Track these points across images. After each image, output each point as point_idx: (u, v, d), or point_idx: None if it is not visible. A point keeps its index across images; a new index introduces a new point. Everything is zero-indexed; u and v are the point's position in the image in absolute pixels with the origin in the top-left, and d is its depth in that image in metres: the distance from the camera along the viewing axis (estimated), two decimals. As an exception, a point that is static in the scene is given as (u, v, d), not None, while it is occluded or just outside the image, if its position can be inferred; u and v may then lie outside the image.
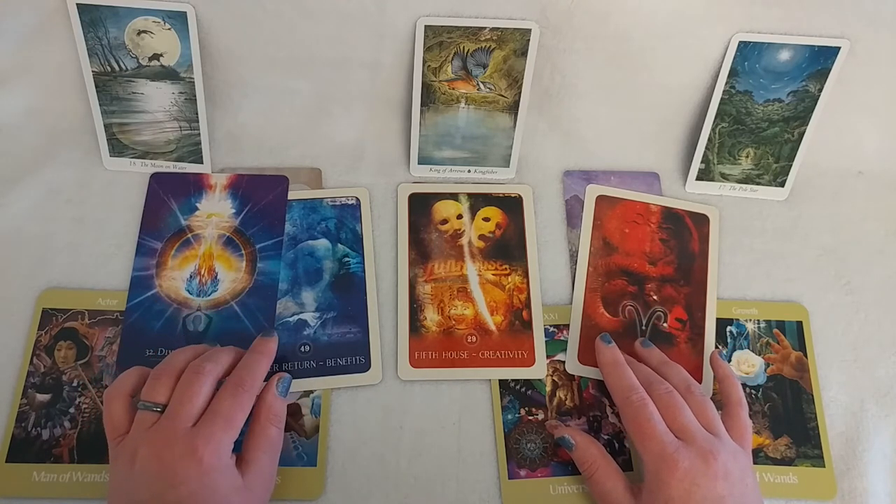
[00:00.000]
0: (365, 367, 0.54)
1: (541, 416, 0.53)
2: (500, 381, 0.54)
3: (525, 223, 0.60)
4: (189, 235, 0.58)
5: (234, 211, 0.59)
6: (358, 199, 0.60)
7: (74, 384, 0.53)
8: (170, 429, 0.43)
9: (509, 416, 0.53)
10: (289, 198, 0.60)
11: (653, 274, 0.59)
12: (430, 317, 0.56)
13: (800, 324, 0.57)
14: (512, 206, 0.61)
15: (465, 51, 0.57)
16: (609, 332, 0.55)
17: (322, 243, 0.59)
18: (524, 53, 0.57)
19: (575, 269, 0.59)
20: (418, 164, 0.62)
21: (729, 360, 0.56)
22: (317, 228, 0.59)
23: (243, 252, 0.58)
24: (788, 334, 0.57)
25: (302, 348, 0.54)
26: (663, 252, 0.60)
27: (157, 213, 0.59)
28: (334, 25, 0.57)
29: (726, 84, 0.59)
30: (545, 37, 0.57)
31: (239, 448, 0.46)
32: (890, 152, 0.64)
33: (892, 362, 0.57)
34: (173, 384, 0.45)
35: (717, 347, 0.56)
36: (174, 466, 0.41)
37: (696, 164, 0.62)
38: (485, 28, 0.56)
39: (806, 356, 0.56)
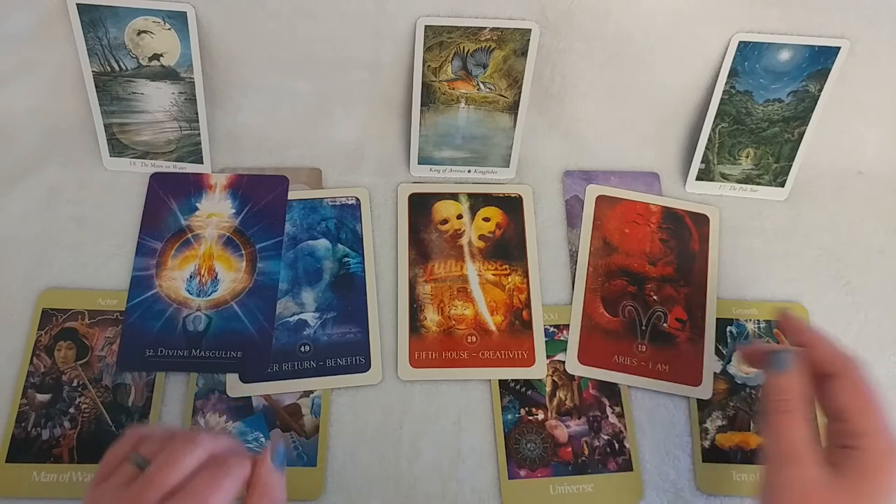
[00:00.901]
0: (365, 367, 0.54)
1: (541, 416, 0.53)
2: (500, 381, 0.54)
3: (525, 223, 0.60)
4: (189, 235, 0.58)
5: (234, 211, 0.59)
6: (358, 199, 0.60)
7: (74, 384, 0.53)
8: (139, 496, 0.37)
9: (509, 416, 0.53)
10: (289, 198, 0.60)
11: (653, 274, 0.59)
12: (430, 317, 0.56)
13: (800, 324, 0.57)
14: (512, 206, 0.61)
15: (465, 51, 0.57)
16: (609, 332, 0.55)
17: (322, 243, 0.59)
18: (524, 53, 0.57)
19: (575, 269, 0.59)
20: (418, 164, 0.62)
21: (729, 360, 0.56)
22: (317, 228, 0.59)
23: (243, 252, 0.58)
24: (788, 334, 0.57)
25: (302, 348, 0.54)
26: (663, 252, 0.60)
27: (157, 213, 0.59)
28: (334, 25, 0.57)
29: (726, 84, 0.59)
30: (545, 37, 0.57)
31: None
32: (890, 152, 0.64)
33: (892, 362, 0.57)
34: (165, 442, 0.40)
35: (718, 357, 0.56)
36: None
37: (696, 164, 0.62)
38: (485, 28, 0.56)
39: (806, 356, 0.56)
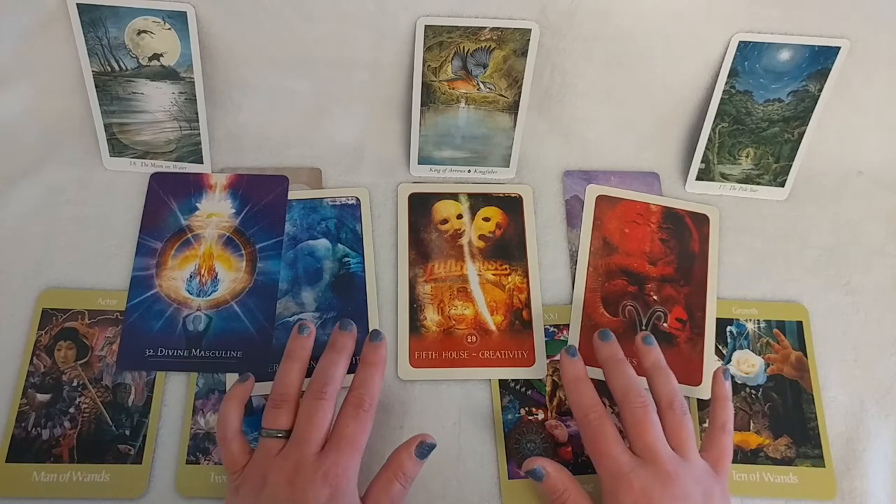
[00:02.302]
0: (365, 367, 0.54)
1: (541, 416, 0.53)
2: (500, 381, 0.54)
3: (525, 223, 0.60)
4: (189, 235, 0.58)
5: (234, 211, 0.59)
6: (358, 199, 0.60)
7: (74, 384, 0.53)
8: (298, 455, 0.44)
9: (509, 416, 0.53)
10: (289, 198, 0.60)
11: (653, 274, 0.59)
12: (430, 317, 0.56)
13: (800, 324, 0.57)
14: (512, 206, 0.61)
15: (465, 51, 0.57)
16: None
17: (322, 243, 0.59)
18: (524, 53, 0.57)
19: (575, 269, 0.59)
20: (418, 164, 0.62)
21: (729, 361, 0.56)
22: (317, 228, 0.59)
23: (243, 252, 0.58)
24: (788, 334, 0.57)
25: (302, 348, 0.54)
26: (663, 252, 0.60)
27: (157, 213, 0.59)
28: (334, 25, 0.57)
29: (726, 84, 0.59)
30: (545, 37, 0.57)
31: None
32: (890, 152, 0.64)
33: (892, 362, 0.57)
34: (295, 409, 0.47)
35: (718, 357, 0.56)
36: (305, 491, 0.43)
37: (696, 164, 0.62)
38: (485, 28, 0.56)
39: (806, 356, 0.56)
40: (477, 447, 0.53)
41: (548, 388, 0.54)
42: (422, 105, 0.60)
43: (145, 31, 0.56)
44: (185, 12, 0.55)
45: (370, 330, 0.53)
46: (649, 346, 0.51)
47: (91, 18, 0.55)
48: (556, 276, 0.59)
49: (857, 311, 0.58)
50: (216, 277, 0.57)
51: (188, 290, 0.56)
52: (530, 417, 0.53)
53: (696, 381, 0.55)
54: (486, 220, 0.60)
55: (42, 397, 0.52)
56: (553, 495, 0.47)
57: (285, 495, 0.43)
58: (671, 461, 0.45)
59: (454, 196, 0.61)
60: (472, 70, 0.58)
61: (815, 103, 0.59)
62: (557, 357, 0.55)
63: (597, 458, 0.46)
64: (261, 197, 0.60)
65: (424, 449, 0.47)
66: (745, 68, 0.58)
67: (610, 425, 0.47)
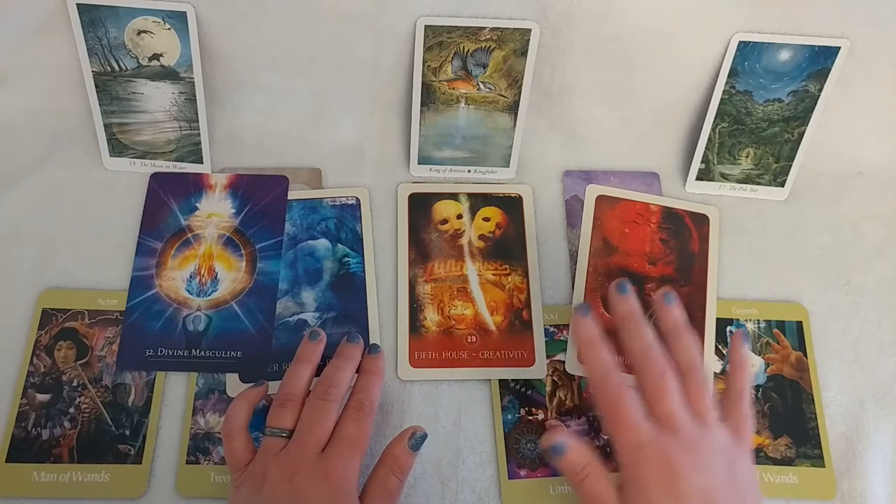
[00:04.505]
0: (365, 367, 0.54)
1: (541, 416, 0.53)
2: (500, 381, 0.54)
3: (525, 223, 0.60)
4: (189, 235, 0.58)
5: (234, 211, 0.59)
6: (358, 199, 0.60)
7: (74, 384, 0.53)
8: (300, 453, 0.45)
9: (509, 416, 0.53)
10: (289, 198, 0.60)
11: (653, 274, 0.59)
12: (430, 317, 0.56)
13: (800, 324, 0.57)
14: (512, 206, 0.61)
15: (465, 51, 0.57)
16: (609, 333, 0.55)
17: (322, 243, 0.59)
18: (524, 53, 0.57)
19: (575, 269, 0.59)
20: (418, 164, 0.62)
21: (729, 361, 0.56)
22: (317, 228, 0.59)
23: (243, 252, 0.58)
24: (788, 334, 0.57)
25: (302, 348, 0.54)
26: (663, 252, 0.60)
27: (157, 213, 0.59)
28: (334, 25, 0.57)
29: (726, 84, 0.59)
30: (545, 37, 0.57)
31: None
32: (890, 152, 0.64)
33: (892, 362, 0.57)
34: (299, 409, 0.47)
35: (718, 357, 0.56)
36: (306, 489, 0.43)
37: (696, 164, 0.62)
38: (485, 28, 0.56)
39: (806, 356, 0.56)
40: (477, 447, 0.52)
41: (548, 388, 0.54)
42: (422, 105, 0.60)
43: (145, 31, 0.56)
44: (185, 12, 0.55)
45: (370, 343, 0.54)
46: (669, 304, 0.48)
47: (91, 18, 0.55)
48: (556, 276, 0.59)
49: (857, 311, 0.58)
50: (216, 277, 0.57)
51: (188, 290, 0.56)
52: (530, 417, 0.53)
53: (696, 381, 0.55)
54: (486, 220, 0.60)
55: (42, 397, 0.52)
56: (572, 471, 0.45)
57: (285, 493, 0.43)
58: (692, 430, 0.43)
59: (454, 196, 0.61)
60: (472, 70, 0.58)
61: (815, 103, 0.59)
62: (557, 357, 0.55)
63: (615, 429, 0.44)
64: (261, 197, 0.60)
65: (417, 440, 0.48)
66: (745, 68, 0.58)
67: (631, 393, 0.44)
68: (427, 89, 0.59)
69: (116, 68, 0.58)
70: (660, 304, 0.49)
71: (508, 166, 0.62)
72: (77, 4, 0.55)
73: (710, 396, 0.45)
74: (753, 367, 0.56)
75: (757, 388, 0.55)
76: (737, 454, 0.44)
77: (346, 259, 0.58)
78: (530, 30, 0.56)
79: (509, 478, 0.51)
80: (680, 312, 0.48)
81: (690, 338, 0.47)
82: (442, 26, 0.56)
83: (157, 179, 0.61)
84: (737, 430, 0.45)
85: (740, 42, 0.57)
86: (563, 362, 0.55)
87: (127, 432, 0.51)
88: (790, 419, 0.54)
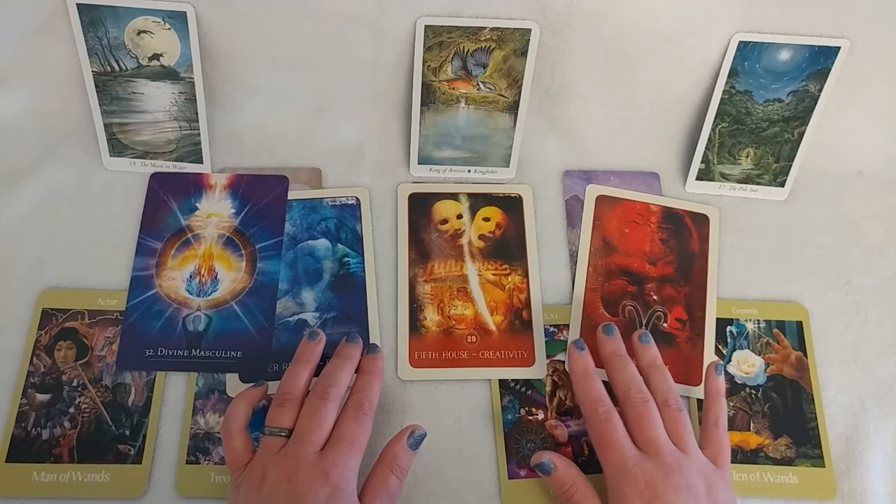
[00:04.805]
0: (365, 367, 0.54)
1: (541, 416, 0.53)
2: (500, 381, 0.54)
3: (525, 223, 0.60)
4: (189, 235, 0.58)
5: (234, 211, 0.59)
6: (358, 199, 0.60)
7: (74, 384, 0.53)
8: (299, 453, 0.45)
9: (509, 416, 0.53)
10: (289, 198, 0.60)
11: (653, 274, 0.59)
12: (430, 317, 0.56)
13: (800, 324, 0.57)
14: (512, 206, 0.61)
15: (465, 51, 0.57)
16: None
17: (322, 243, 0.59)
18: (524, 53, 0.57)
19: (575, 269, 0.59)
20: (418, 163, 0.62)
21: (729, 361, 0.56)
22: (317, 228, 0.59)
23: (243, 252, 0.58)
24: (788, 334, 0.57)
25: (302, 348, 0.54)
26: (663, 252, 0.60)
27: (157, 213, 0.59)
28: (334, 25, 0.57)
29: (726, 84, 0.59)
30: (545, 37, 0.57)
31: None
32: (890, 152, 0.64)
33: (892, 362, 0.57)
34: (298, 409, 0.47)
35: (718, 357, 0.56)
36: (305, 489, 0.43)
37: (696, 164, 0.62)
38: (485, 28, 0.56)
39: (806, 356, 0.56)
40: (477, 447, 0.52)
41: (548, 388, 0.54)
42: (422, 105, 0.60)
43: (145, 31, 0.56)
44: (185, 12, 0.55)
45: (369, 343, 0.54)
46: (646, 344, 0.52)
47: (91, 18, 0.55)
48: (556, 276, 0.59)
49: (857, 311, 0.58)
50: (216, 277, 0.57)
51: (188, 290, 0.56)
52: (530, 417, 0.53)
53: (696, 381, 0.55)
54: (486, 220, 0.60)
55: (42, 397, 0.52)
56: (561, 489, 0.48)
57: (285, 492, 0.43)
58: (673, 454, 0.46)
59: (454, 196, 0.61)
60: (472, 70, 0.58)
61: (815, 103, 0.59)
62: (557, 357, 0.55)
63: (603, 452, 0.47)
64: (261, 197, 0.60)
65: (416, 439, 0.48)
66: (745, 68, 0.58)
67: (617, 419, 0.47)
68: (427, 89, 0.59)
69: (116, 68, 0.58)
70: (636, 343, 0.52)
71: (508, 166, 0.62)
72: (77, 4, 0.55)
73: (688, 424, 0.48)
74: (753, 367, 0.56)
75: (757, 387, 0.55)
76: (717, 479, 0.46)
77: (346, 259, 0.58)
78: (530, 30, 0.56)
79: (509, 478, 0.51)
80: (655, 351, 0.52)
81: (666, 372, 0.51)
82: (442, 26, 0.56)
83: (157, 179, 0.61)
84: (715, 457, 0.48)
85: (740, 42, 0.57)
86: (563, 362, 0.55)
87: (127, 432, 0.51)
88: (790, 419, 0.54)
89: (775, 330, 0.57)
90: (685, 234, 0.60)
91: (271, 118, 0.63)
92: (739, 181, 0.62)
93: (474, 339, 0.56)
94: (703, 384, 0.54)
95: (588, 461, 0.52)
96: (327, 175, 0.62)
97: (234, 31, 0.57)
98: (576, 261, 0.59)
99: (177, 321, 0.55)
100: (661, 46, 0.58)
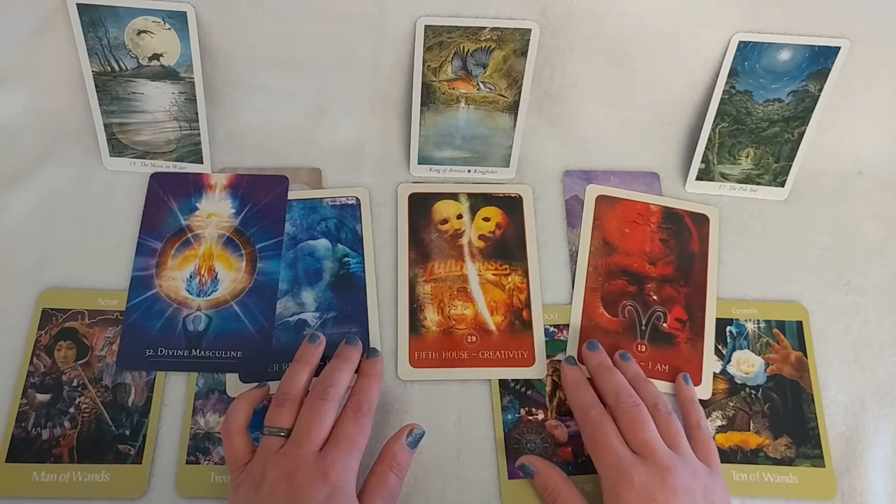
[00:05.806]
0: (365, 367, 0.54)
1: (541, 416, 0.53)
2: (500, 381, 0.54)
3: (525, 223, 0.60)
4: (189, 235, 0.58)
5: (234, 211, 0.59)
6: (358, 199, 0.61)
7: (74, 384, 0.53)
8: (298, 453, 0.45)
9: (509, 416, 0.53)
10: (289, 198, 0.60)
11: (653, 274, 0.59)
12: (430, 317, 0.56)
13: (800, 324, 0.57)
14: (512, 206, 0.61)
15: (465, 51, 0.57)
16: (609, 332, 0.55)
17: (322, 243, 0.59)
18: (524, 53, 0.57)
19: (575, 269, 0.59)
20: (418, 164, 0.62)
21: (729, 360, 0.56)
22: (317, 228, 0.59)
23: (243, 252, 0.58)
24: (788, 334, 0.57)
25: (302, 348, 0.54)
26: (663, 252, 0.60)
27: (157, 213, 0.59)
28: (334, 25, 0.57)
29: (726, 84, 0.59)
30: (545, 37, 0.57)
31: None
32: (890, 152, 0.64)
33: (892, 362, 0.57)
34: (297, 409, 0.47)
35: (718, 357, 0.56)
36: (304, 489, 0.43)
37: (696, 164, 0.62)
38: (485, 28, 0.56)
39: (806, 356, 0.56)
40: (477, 447, 0.53)
41: (548, 388, 0.54)
42: (422, 105, 0.60)
43: (145, 31, 0.56)
44: (185, 12, 0.55)
45: (369, 347, 0.54)
46: (627, 361, 0.54)
47: (91, 18, 0.55)
48: (556, 276, 0.59)
49: (857, 311, 0.58)
50: (216, 277, 0.57)
51: (188, 290, 0.56)
52: (530, 417, 0.53)
53: (696, 381, 0.55)
54: (486, 220, 0.60)
55: (42, 397, 0.52)
56: (545, 492, 0.49)
57: (284, 492, 0.43)
58: (668, 456, 0.46)
59: (454, 196, 0.61)
60: (472, 70, 0.58)
61: (815, 103, 0.59)
62: (557, 357, 0.55)
63: (597, 456, 0.47)
64: (261, 197, 0.60)
65: (415, 437, 0.49)
66: (745, 68, 0.58)
67: (610, 423, 0.48)
68: (427, 89, 0.59)
69: (116, 68, 0.58)
70: (619, 363, 0.53)
71: (508, 166, 0.62)
72: (77, 4, 0.55)
73: (679, 426, 0.49)
74: (753, 367, 0.56)
75: (757, 387, 0.55)
76: (712, 480, 0.47)
77: (346, 259, 0.58)
78: (530, 30, 0.56)
79: (509, 478, 0.51)
80: (637, 366, 0.53)
81: (650, 382, 0.52)
82: (442, 26, 0.56)
83: (157, 179, 0.61)
84: (706, 459, 0.48)
85: (740, 42, 0.57)
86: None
87: (127, 432, 0.51)
88: (790, 419, 0.54)
89: (775, 330, 0.57)
90: (685, 234, 0.60)
91: (271, 118, 0.63)
92: (739, 181, 0.62)
93: (474, 339, 0.56)
94: (706, 386, 0.55)
95: (587, 461, 0.52)
96: (327, 175, 0.62)
97: (234, 31, 0.57)
98: (576, 261, 0.59)
99: (177, 321, 0.55)
100: (661, 46, 0.58)
